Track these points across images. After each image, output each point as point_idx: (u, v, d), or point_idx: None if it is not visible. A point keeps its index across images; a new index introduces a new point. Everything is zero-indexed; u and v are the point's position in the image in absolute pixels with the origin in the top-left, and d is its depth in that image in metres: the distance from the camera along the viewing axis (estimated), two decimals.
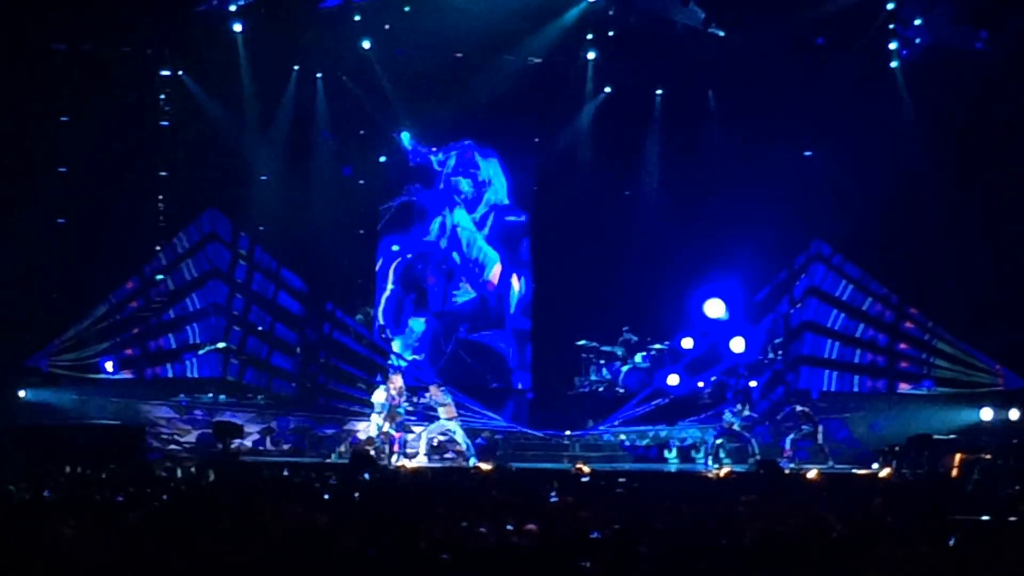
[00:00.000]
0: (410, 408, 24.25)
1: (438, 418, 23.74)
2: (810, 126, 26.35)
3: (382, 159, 27.73)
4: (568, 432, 25.31)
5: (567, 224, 27.49)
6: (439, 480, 17.74)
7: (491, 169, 28.24)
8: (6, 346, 23.93)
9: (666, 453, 25.22)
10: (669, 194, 27.64)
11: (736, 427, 23.71)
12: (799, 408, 23.95)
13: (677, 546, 9.28)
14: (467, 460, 23.19)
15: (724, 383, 25.32)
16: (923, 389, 25.93)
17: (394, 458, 22.70)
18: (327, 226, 26.91)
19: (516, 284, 28.01)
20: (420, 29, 25.92)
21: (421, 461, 22.87)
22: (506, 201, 28.22)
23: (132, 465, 18.90)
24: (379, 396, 23.51)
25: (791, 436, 23.65)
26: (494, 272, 27.87)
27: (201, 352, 25.98)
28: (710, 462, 23.45)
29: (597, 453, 24.77)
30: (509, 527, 9.92)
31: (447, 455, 24.15)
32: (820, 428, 23.67)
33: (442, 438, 24.03)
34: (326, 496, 13.24)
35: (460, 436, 23.65)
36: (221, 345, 26.04)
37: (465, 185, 28.06)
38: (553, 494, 13.35)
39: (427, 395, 24.32)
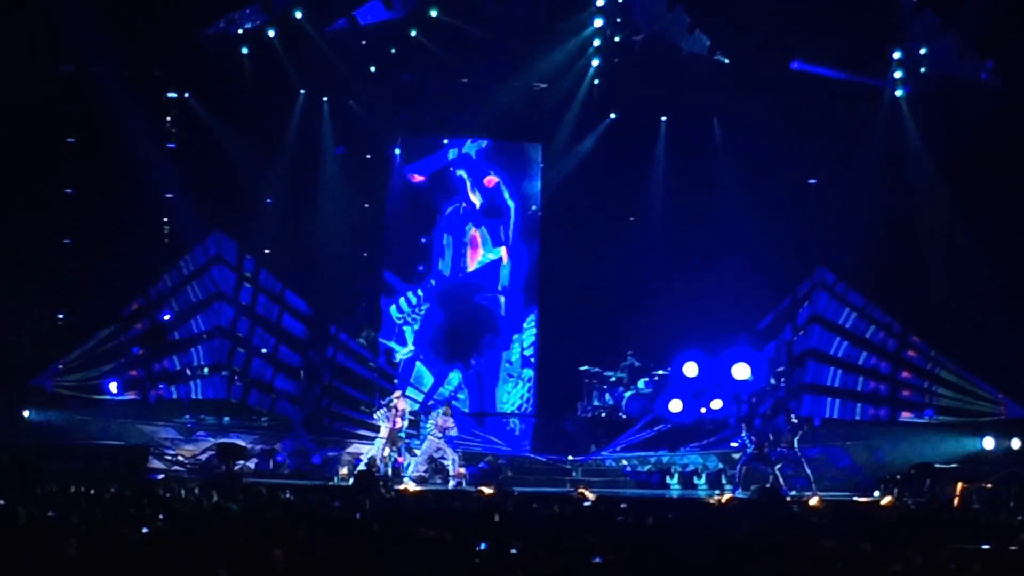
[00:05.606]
0: (412, 431, 24.28)
1: (438, 438, 23.69)
2: (814, 154, 26.41)
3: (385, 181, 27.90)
4: (570, 457, 25.29)
5: (571, 249, 27.54)
6: (441, 504, 17.73)
7: (496, 192, 28.36)
8: (11, 366, 23.92)
9: (668, 479, 25.15)
10: (673, 220, 27.73)
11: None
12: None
13: (677, 571, 9.31)
14: (462, 478, 23.25)
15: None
16: (925, 418, 25.91)
17: (403, 480, 22.74)
18: (332, 249, 27.00)
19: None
20: (426, 54, 26.04)
21: (420, 483, 22.86)
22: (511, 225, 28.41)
23: (135, 486, 18.87)
24: (382, 419, 23.56)
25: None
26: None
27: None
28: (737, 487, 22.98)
29: (599, 478, 24.75)
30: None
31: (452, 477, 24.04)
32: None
33: (436, 455, 23.90)
34: (329, 519, 13.26)
35: (450, 456, 23.60)
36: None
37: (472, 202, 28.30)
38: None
39: (432, 417, 24.33)
